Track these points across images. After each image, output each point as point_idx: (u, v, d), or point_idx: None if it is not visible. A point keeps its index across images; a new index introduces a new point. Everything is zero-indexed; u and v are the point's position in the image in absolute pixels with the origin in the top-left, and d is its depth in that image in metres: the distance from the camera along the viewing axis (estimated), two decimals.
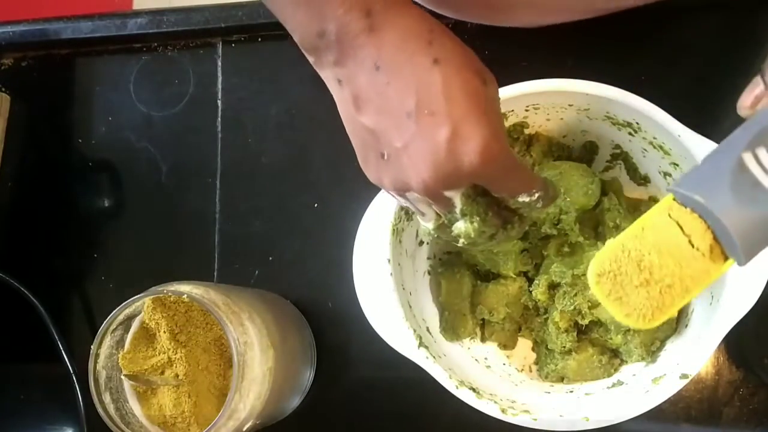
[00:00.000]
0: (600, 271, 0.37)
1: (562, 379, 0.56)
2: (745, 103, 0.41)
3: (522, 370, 0.58)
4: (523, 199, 0.41)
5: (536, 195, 0.41)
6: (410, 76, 0.37)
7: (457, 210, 0.40)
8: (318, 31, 0.38)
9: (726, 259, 0.35)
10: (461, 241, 0.42)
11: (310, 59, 0.40)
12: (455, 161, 0.37)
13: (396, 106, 0.37)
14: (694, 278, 0.36)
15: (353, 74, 0.38)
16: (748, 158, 0.34)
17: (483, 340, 0.59)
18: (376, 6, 0.37)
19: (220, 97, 0.68)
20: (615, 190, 0.57)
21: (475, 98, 0.37)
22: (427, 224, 0.43)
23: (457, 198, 0.40)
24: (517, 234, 0.44)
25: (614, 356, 0.56)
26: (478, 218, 0.41)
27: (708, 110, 0.60)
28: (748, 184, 0.34)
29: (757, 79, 0.40)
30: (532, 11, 0.54)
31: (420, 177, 0.38)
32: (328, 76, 0.40)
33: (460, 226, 0.41)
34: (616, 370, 0.55)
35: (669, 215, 0.36)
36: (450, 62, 0.37)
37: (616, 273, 0.37)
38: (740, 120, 0.59)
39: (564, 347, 0.55)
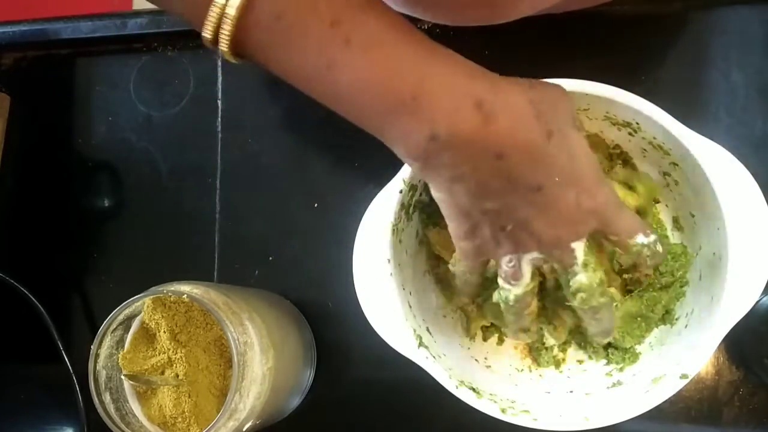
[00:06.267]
0: None
1: (559, 365, 0.57)
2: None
3: (522, 370, 0.58)
4: (642, 240, 0.43)
5: (652, 236, 0.44)
6: (533, 154, 0.38)
7: (579, 261, 0.43)
8: (429, 136, 0.36)
9: None
10: (579, 296, 0.45)
11: (415, 165, 0.39)
12: (583, 211, 0.41)
13: (524, 184, 0.39)
14: None
15: (472, 168, 0.38)
16: None
17: (485, 339, 0.59)
18: (484, 94, 0.36)
19: (220, 97, 0.68)
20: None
21: (585, 155, 0.41)
22: (514, 289, 0.45)
23: (579, 248, 0.42)
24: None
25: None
26: (598, 267, 0.44)
27: (708, 110, 0.60)
28: None
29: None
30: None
31: (554, 230, 0.41)
32: (437, 176, 0.39)
33: (581, 279, 0.44)
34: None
35: None
36: (559, 129, 0.39)
37: None
38: (740, 120, 0.59)
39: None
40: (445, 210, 0.42)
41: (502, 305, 0.48)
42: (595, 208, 0.41)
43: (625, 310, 0.54)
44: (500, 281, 0.46)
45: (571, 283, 0.45)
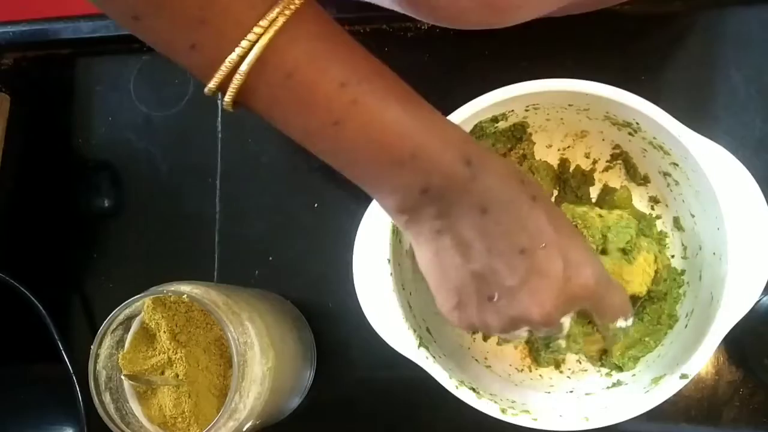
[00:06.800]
0: None
1: (558, 365, 0.57)
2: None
3: (522, 370, 0.58)
4: (621, 324, 0.44)
5: (630, 320, 0.44)
6: (517, 214, 0.38)
7: (564, 331, 0.42)
8: (422, 188, 0.38)
9: None
10: (552, 354, 0.48)
11: (402, 218, 0.40)
12: (574, 287, 0.39)
13: (507, 245, 0.38)
14: None
15: (457, 221, 0.39)
16: None
17: (485, 339, 0.59)
18: (474, 155, 0.38)
19: (220, 97, 0.68)
20: (623, 200, 0.57)
21: (571, 226, 0.41)
22: (512, 342, 0.47)
23: (567, 322, 0.42)
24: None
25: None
26: (579, 338, 0.46)
27: (708, 110, 0.60)
28: None
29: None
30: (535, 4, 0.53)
31: (543, 308, 0.39)
32: (423, 230, 0.40)
33: (560, 344, 0.45)
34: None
35: None
36: (544, 197, 0.40)
37: None
38: (740, 120, 0.59)
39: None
40: (431, 280, 0.41)
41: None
42: (586, 283, 0.40)
43: (630, 336, 0.54)
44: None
45: (551, 346, 0.46)
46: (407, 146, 0.37)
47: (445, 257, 0.40)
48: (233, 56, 0.35)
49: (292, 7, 0.35)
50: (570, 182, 0.58)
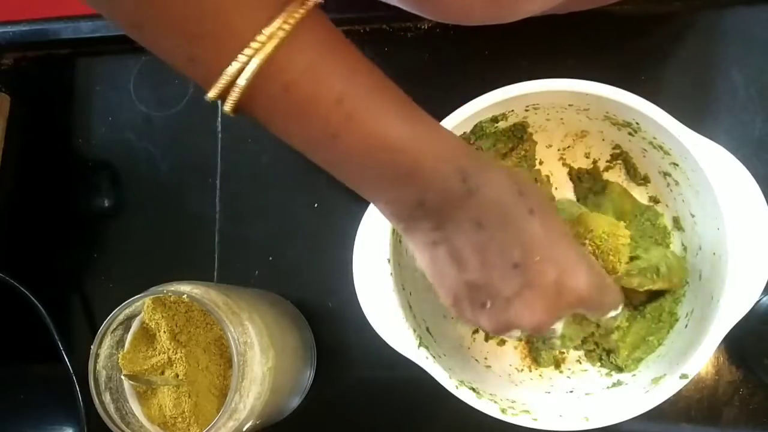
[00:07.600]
0: None
1: (558, 365, 0.57)
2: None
3: (522, 370, 0.58)
4: (613, 314, 0.44)
5: (620, 308, 0.44)
6: (512, 229, 0.39)
7: (558, 333, 0.45)
8: (417, 202, 0.39)
9: None
10: (546, 348, 0.52)
11: (400, 226, 0.41)
12: (567, 297, 0.40)
13: (501, 258, 0.39)
14: None
15: (452, 235, 0.39)
16: None
17: (486, 339, 0.59)
18: (470, 169, 0.38)
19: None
20: (615, 194, 0.57)
21: (566, 236, 0.41)
22: (509, 340, 0.51)
23: (559, 325, 0.43)
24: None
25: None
26: (573, 336, 0.49)
27: (708, 110, 0.60)
28: None
29: None
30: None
31: (533, 317, 0.39)
32: (419, 239, 0.41)
33: (555, 342, 0.50)
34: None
35: None
36: (542, 209, 0.39)
37: None
38: (740, 120, 0.59)
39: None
40: (430, 279, 0.42)
41: None
42: (578, 292, 0.40)
43: (635, 334, 0.54)
44: None
45: (546, 343, 0.49)
46: (403, 162, 0.37)
47: (441, 265, 0.41)
48: (231, 69, 0.35)
49: (292, 21, 0.35)
50: (583, 181, 0.58)
